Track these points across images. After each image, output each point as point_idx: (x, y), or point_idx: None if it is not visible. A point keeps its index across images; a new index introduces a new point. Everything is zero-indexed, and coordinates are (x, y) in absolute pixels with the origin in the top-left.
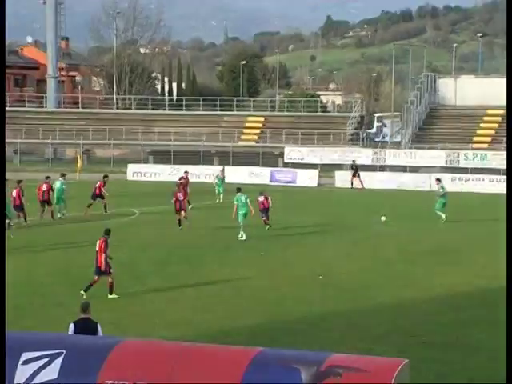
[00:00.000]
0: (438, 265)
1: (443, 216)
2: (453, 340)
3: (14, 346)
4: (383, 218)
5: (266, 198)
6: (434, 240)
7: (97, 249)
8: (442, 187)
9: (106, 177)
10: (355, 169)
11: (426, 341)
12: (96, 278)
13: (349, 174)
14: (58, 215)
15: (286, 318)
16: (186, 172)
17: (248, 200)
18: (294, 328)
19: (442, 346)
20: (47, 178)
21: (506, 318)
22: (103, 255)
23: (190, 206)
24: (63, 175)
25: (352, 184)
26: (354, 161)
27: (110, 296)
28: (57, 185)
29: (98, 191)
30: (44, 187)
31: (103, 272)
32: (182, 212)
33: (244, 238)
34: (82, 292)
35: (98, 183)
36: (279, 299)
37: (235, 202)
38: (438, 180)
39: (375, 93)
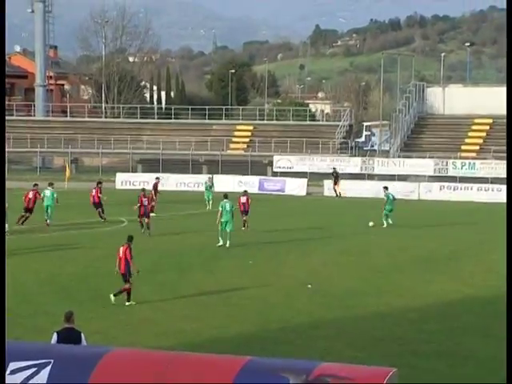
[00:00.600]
0: (427, 273)
1: (385, 223)
2: (442, 349)
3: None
4: (371, 224)
5: (248, 200)
6: (423, 248)
7: (120, 255)
8: (387, 195)
9: (100, 183)
10: (336, 176)
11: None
12: (127, 285)
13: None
14: (48, 220)
15: (274, 326)
16: (157, 178)
17: (233, 208)
18: (283, 337)
19: (431, 355)
20: (35, 185)
21: (506, 319)
22: (127, 261)
23: (151, 214)
24: (51, 184)
25: (336, 192)
26: (334, 168)
27: (111, 296)
28: (47, 194)
29: (97, 199)
30: (30, 194)
31: (126, 277)
32: (145, 219)
33: (220, 243)
34: (128, 303)
35: (94, 190)
36: (268, 308)
37: (220, 208)
38: (385, 188)
39: (364, 102)
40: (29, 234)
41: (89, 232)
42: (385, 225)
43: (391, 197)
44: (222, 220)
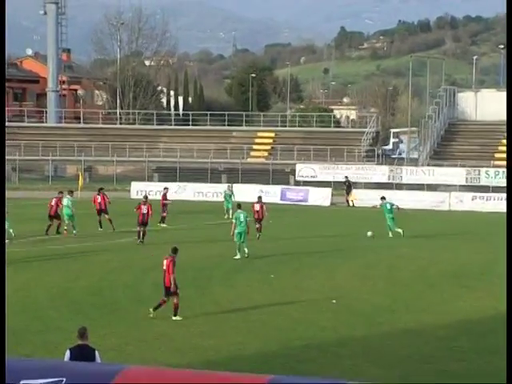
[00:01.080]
0: (457, 288)
1: (401, 231)
2: (472, 367)
3: (12, 374)
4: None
5: (262, 207)
6: (453, 262)
7: (164, 268)
8: (384, 205)
9: (101, 189)
10: (348, 185)
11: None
12: (166, 298)
13: (365, 192)
14: (74, 232)
15: (297, 343)
16: (165, 188)
17: (248, 219)
18: (307, 354)
19: (461, 374)
20: (59, 192)
21: (506, 319)
22: (172, 275)
23: (163, 225)
24: (71, 192)
25: (348, 202)
26: (346, 177)
27: (173, 318)
28: (64, 202)
29: (103, 206)
30: (53, 202)
31: (171, 293)
32: (143, 227)
33: (238, 256)
34: (151, 310)
35: (100, 199)
36: (291, 324)
37: (233, 220)
38: (383, 198)
39: (391, 107)
40: (42, 245)
41: (102, 243)
42: (396, 230)
43: (388, 206)
44: (236, 231)
